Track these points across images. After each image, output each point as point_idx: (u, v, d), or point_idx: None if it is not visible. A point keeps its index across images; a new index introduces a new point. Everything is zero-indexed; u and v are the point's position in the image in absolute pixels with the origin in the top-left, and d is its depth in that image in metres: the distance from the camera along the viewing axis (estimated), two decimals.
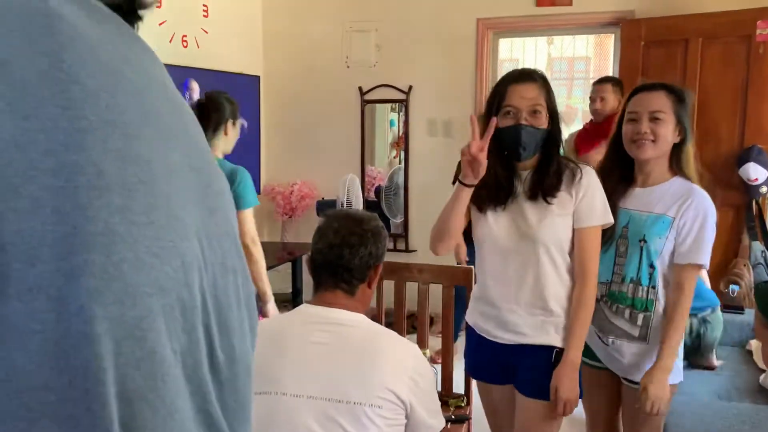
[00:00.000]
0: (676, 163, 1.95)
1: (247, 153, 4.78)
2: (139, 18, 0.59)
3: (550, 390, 1.82)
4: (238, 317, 0.56)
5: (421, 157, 4.86)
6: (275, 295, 5.13)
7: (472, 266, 2.17)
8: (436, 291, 2.45)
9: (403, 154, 4.99)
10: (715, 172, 3.89)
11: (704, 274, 2.91)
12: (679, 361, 1.94)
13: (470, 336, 2.03)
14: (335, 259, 1.52)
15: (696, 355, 2.96)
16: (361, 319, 1.52)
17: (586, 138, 3.92)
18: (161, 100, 0.52)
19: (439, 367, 2.41)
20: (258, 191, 4.87)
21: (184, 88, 4.06)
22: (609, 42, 5.04)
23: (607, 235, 1.92)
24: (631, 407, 1.96)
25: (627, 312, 1.98)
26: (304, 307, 1.55)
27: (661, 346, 1.89)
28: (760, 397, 2.72)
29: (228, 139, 2.75)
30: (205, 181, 0.54)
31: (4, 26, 0.41)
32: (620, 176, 2.01)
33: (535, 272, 1.84)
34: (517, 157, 1.84)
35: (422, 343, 2.42)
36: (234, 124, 2.76)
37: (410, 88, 4.84)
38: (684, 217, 1.88)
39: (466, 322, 2.05)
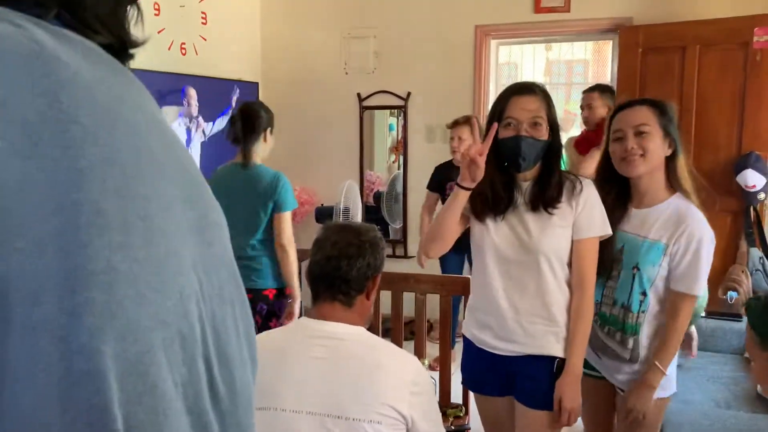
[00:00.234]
0: (671, 177, 1.91)
1: None
2: (131, 56, 0.60)
3: (554, 401, 1.83)
4: (238, 347, 0.56)
5: (420, 164, 4.86)
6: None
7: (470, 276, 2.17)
8: (433, 298, 2.46)
9: (401, 159, 5.00)
10: (713, 178, 3.91)
11: None
12: (672, 373, 1.93)
13: (467, 348, 2.03)
14: (333, 271, 1.52)
15: None
16: (360, 332, 1.52)
17: (584, 144, 3.95)
18: (156, 137, 0.52)
19: (437, 374, 2.41)
20: None
21: (181, 95, 4.07)
22: (607, 47, 5.05)
23: (603, 257, 1.90)
24: (625, 417, 1.97)
25: (618, 335, 1.97)
26: (302, 321, 1.54)
27: (650, 363, 1.87)
28: (758, 405, 2.72)
29: (266, 146, 2.96)
30: (201, 213, 0.55)
31: (3, 69, 0.42)
32: (616, 198, 1.97)
33: (536, 282, 1.84)
34: (517, 168, 1.85)
35: (420, 353, 2.42)
36: (271, 132, 2.97)
37: (409, 94, 4.84)
38: (677, 244, 1.84)
39: (463, 335, 2.04)
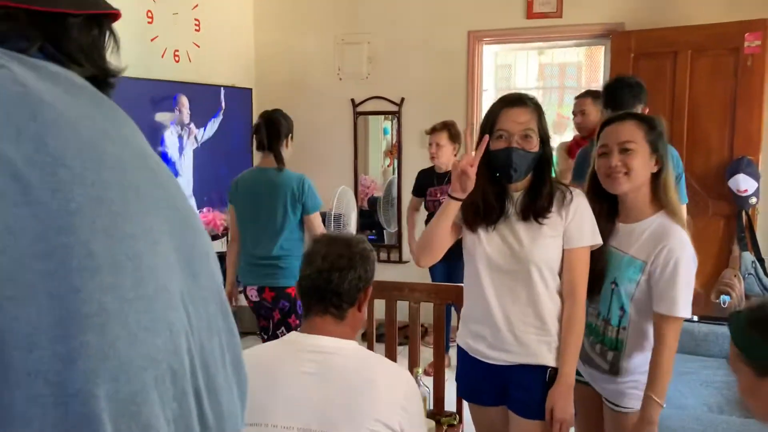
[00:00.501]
0: (656, 194, 1.88)
1: (240, 166, 4.79)
2: (112, 86, 0.60)
3: (545, 410, 1.83)
4: (224, 376, 0.57)
5: (415, 169, 4.86)
6: None
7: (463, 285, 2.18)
8: (427, 305, 2.47)
9: (396, 164, 5.01)
10: (705, 183, 3.94)
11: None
12: None
13: (461, 358, 2.04)
14: (324, 284, 1.52)
15: None
16: (351, 346, 1.51)
17: (575, 150, 3.96)
18: (141, 170, 0.53)
19: (431, 380, 2.42)
20: None
21: (173, 102, 4.07)
22: (599, 52, 5.07)
23: (594, 269, 1.90)
24: (611, 428, 1.97)
25: (598, 347, 1.97)
26: (293, 336, 1.54)
27: (645, 396, 1.81)
28: None
29: (287, 151, 3.08)
30: (189, 244, 0.55)
31: None
32: (605, 212, 1.95)
33: (528, 291, 1.85)
34: (509, 179, 1.86)
35: (414, 362, 2.42)
36: (291, 138, 3.11)
37: (402, 100, 4.86)
38: (656, 262, 1.81)
39: (458, 345, 2.05)
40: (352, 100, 4.96)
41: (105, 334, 0.43)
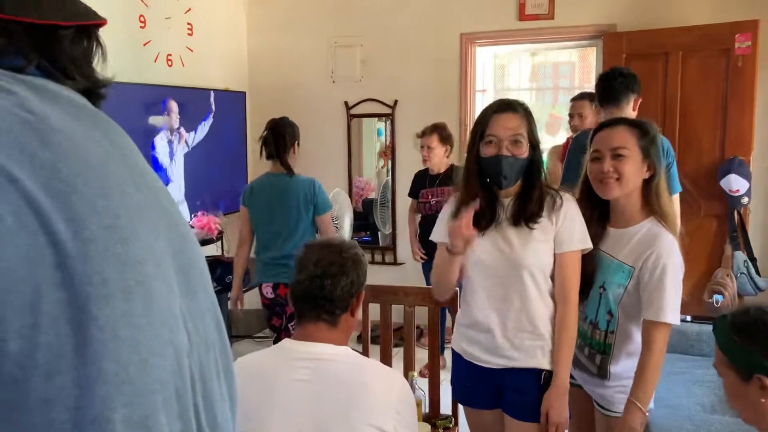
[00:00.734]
0: (648, 200, 1.89)
1: (234, 169, 4.80)
2: (104, 97, 0.61)
3: (541, 414, 1.85)
4: (219, 388, 0.58)
5: (408, 170, 4.88)
6: (263, 310, 5.13)
7: (458, 288, 2.19)
8: (422, 307, 2.48)
9: (390, 166, 5.02)
10: (697, 183, 3.96)
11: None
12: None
13: (456, 362, 2.05)
14: (317, 291, 1.52)
15: None
16: (345, 352, 1.52)
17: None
18: (143, 190, 0.54)
19: (426, 382, 2.43)
20: None
21: (162, 107, 4.05)
22: (591, 53, 5.09)
23: (584, 273, 1.91)
24: (602, 430, 1.98)
25: (586, 350, 1.99)
26: (286, 343, 1.54)
27: (628, 402, 1.81)
28: None
29: (294, 157, 3.26)
30: (187, 263, 0.56)
31: (4, 146, 0.43)
32: (596, 216, 1.96)
33: (521, 296, 1.87)
34: (499, 186, 1.89)
35: (409, 365, 2.43)
36: (298, 144, 3.30)
37: (396, 102, 4.87)
38: (644, 268, 1.82)
39: (452, 349, 2.06)
40: (346, 103, 4.97)
41: (119, 361, 0.44)
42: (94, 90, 0.60)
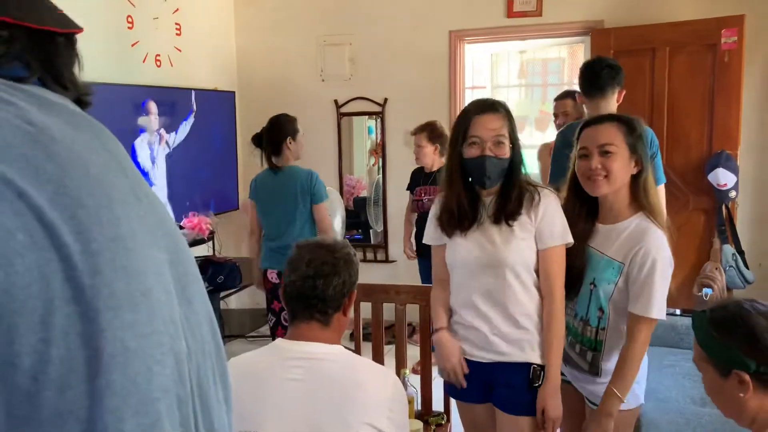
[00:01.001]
0: (636, 196, 1.90)
1: (224, 169, 4.79)
2: (90, 104, 0.62)
3: (536, 411, 1.88)
4: (215, 394, 0.59)
5: (399, 168, 4.89)
6: (256, 310, 5.14)
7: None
8: (414, 306, 2.49)
9: (381, 163, 5.02)
10: (685, 177, 4.00)
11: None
12: (637, 385, 1.92)
13: None
14: (309, 291, 1.53)
15: None
16: (338, 351, 1.53)
17: None
18: (140, 200, 0.55)
19: (418, 378, 2.44)
20: (236, 206, 4.88)
21: (142, 108, 3.98)
22: (580, 49, 5.11)
23: (572, 270, 1.93)
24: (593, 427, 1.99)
25: (577, 347, 2.00)
26: (279, 343, 1.55)
27: (607, 389, 1.84)
28: None
29: (292, 151, 3.44)
30: (183, 271, 0.57)
31: (11, 159, 0.43)
32: (585, 213, 1.97)
33: (506, 292, 1.89)
34: (482, 186, 1.92)
35: (401, 363, 2.45)
36: (294, 139, 3.45)
37: (385, 100, 4.87)
38: (632, 264, 1.83)
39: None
40: (336, 101, 4.97)
41: (127, 372, 0.45)
42: (81, 97, 0.60)
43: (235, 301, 5.08)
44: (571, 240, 1.90)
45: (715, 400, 1.47)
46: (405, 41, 4.75)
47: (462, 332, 1.99)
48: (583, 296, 1.96)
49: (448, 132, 4.08)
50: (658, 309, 1.81)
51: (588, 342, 1.96)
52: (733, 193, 3.89)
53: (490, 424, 2.01)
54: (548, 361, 1.88)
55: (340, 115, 5.00)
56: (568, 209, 1.98)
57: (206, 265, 3.95)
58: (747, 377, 1.34)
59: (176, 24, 4.39)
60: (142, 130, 3.95)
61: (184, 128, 4.33)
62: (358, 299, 2.40)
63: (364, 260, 4.99)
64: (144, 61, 4.07)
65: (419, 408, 2.39)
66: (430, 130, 3.94)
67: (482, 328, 1.92)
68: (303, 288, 1.53)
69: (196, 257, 4.10)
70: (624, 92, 2.87)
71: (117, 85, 3.66)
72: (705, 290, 3.74)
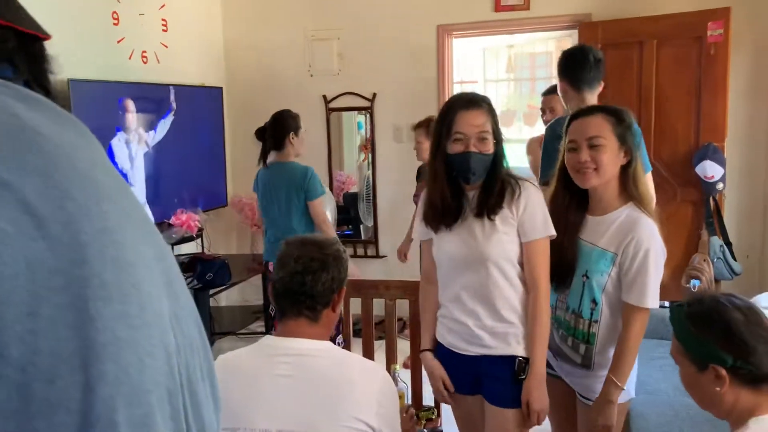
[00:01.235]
0: (625, 186, 1.90)
1: (212, 165, 4.77)
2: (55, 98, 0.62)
3: (522, 403, 1.88)
4: (204, 390, 0.59)
5: (388, 163, 4.90)
6: (246, 306, 5.13)
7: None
8: (404, 301, 2.49)
9: (370, 159, 5.02)
10: (673, 169, 4.02)
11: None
12: (631, 379, 1.93)
13: (439, 350, 2.08)
14: (298, 287, 1.53)
15: None
16: (326, 347, 1.53)
17: None
18: (126, 196, 0.55)
19: (409, 373, 2.45)
20: (225, 203, 4.87)
21: (119, 106, 3.86)
22: (568, 43, 5.11)
23: (562, 262, 1.93)
24: (585, 421, 2.00)
25: (570, 340, 2.00)
26: (267, 340, 1.55)
27: (607, 377, 1.86)
28: None
29: (294, 147, 3.52)
30: (168, 266, 0.57)
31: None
32: (575, 205, 1.97)
33: (491, 286, 1.91)
34: (467, 181, 1.92)
35: (391, 358, 2.45)
36: (296, 135, 3.52)
37: (374, 95, 4.86)
38: (625, 253, 1.84)
39: (435, 338, 2.09)
40: (324, 97, 4.96)
41: (119, 362, 0.44)
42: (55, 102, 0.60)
43: (225, 298, 5.07)
44: (553, 233, 1.90)
45: (691, 393, 1.48)
46: (393, 36, 4.75)
47: (449, 325, 2.00)
48: (575, 289, 1.96)
49: None
50: (652, 298, 1.82)
51: (581, 335, 1.96)
52: (720, 185, 3.91)
53: (480, 415, 2.02)
54: (533, 353, 1.89)
55: (329, 111, 4.99)
56: (557, 201, 1.98)
57: (195, 263, 3.93)
58: (723, 372, 1.34)
59: (162, 20, 4.35)
60: (119, 129, 3.84)
61: (163, 126, 4.21)
62: (348, 295, 2.40)
63: (355, 255, 4.99)
64: (130, 58, 4.04)
65: (410, 403, 2.39)
66: (428, 126, 3.93)
67: (468, 323, 1.94)
68: (291, 284, 1.53)
69: (185, 254, 4.12)
70: (603, 86, 2.83)
71: (102, 82, 3.63)
72: (693, 282, 3.77)
